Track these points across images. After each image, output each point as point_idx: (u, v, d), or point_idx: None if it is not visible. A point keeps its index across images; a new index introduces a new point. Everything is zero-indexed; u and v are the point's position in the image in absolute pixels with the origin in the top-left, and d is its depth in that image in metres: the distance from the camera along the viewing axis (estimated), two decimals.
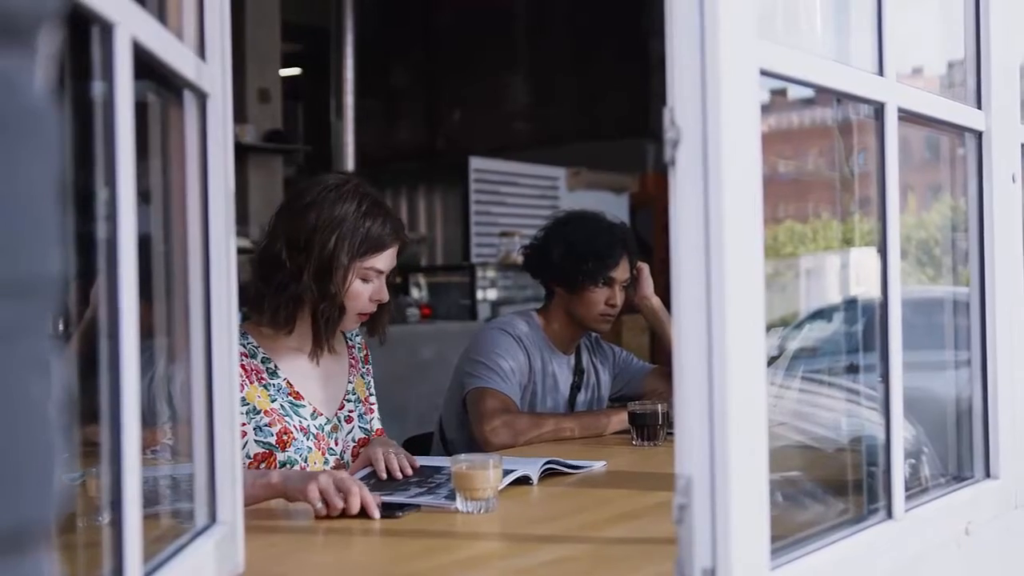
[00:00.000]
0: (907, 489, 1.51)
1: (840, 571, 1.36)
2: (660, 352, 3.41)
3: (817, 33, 1.67)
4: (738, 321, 1.12)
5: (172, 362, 1.42)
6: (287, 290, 2.21)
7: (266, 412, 2.21)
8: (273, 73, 7.31)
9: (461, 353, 3.01)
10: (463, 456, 1.95)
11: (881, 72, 1.48)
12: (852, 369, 1.76)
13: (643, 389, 3.08)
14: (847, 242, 1.84)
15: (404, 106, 9.96)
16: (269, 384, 2.25)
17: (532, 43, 9.46)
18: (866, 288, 1.68)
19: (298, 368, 2.31)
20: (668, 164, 1.14)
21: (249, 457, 2.17)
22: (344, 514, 1.84)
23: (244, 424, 2.17)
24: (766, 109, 1.21)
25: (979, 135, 1.78)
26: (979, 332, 1.79)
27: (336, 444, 2.32)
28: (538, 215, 7.27)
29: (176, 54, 1.21)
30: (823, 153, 1.91)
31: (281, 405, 2.24)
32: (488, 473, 1.87)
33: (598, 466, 2.34)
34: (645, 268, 3.08)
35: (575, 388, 3.07)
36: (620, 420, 2.81)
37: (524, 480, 2.13)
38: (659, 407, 2.66)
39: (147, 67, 1.11)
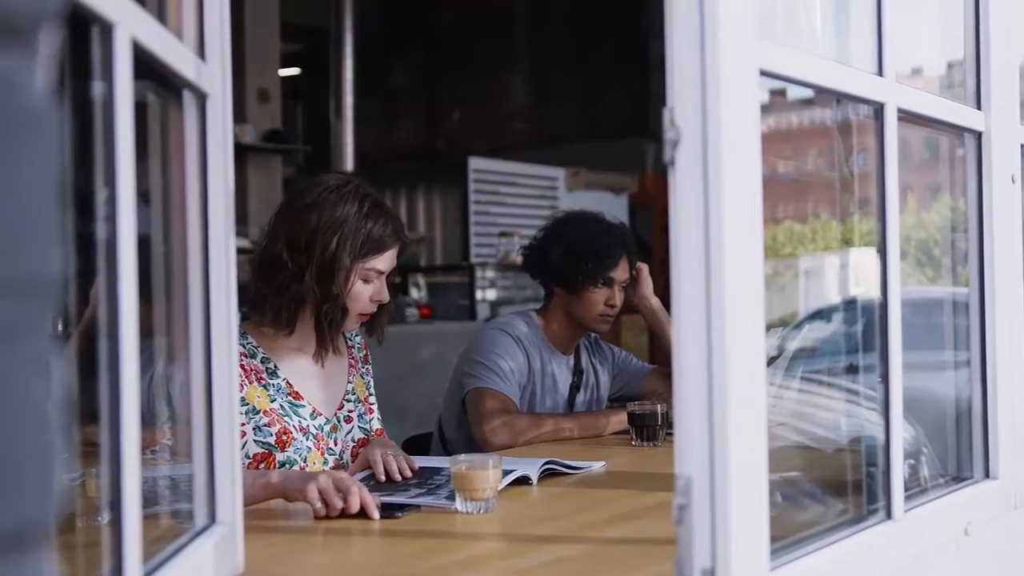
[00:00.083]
0: (906, 489, 1.51)
1: (839, 571, 1.36)
2: (659, 352, 3.41)
3: (817, 33, 1.67)
4: (738, 321, 1.12)
5: (172, 362, 1.41)
6: (289, 291, 2.21)
7: (265, 412, 2.21)
8: (272, 73, 7.31)
9: (460, 353, 3.01)
10: (463, 456, 1.94)
11: (881, 72, 1.48)
12: (851, 369, 1.76)
13: (642, 389, 3.08)
14: (846, 242, 1.84)
15: (403, 106, 9.96)
16: (269, 384, 2.25)
17: (531, 43, 9.46)
18: (865, 288, 1.68)
19: (298, 368, 2.31)
20: (668, 164, 1.14)
21: (248, 457, 2.17)
22: (343, 514, 1.84)
23: (243, 424, 2.17)
24: (765, 109, 1.21)
25: (979, 135, 1.78)
26: (979, 333, 1.79)
27: (335, 444, 2.32)
28: (537, 215, 7.27)
29: (176, 54, 1.21)
30: (822, 153, 1.92)
31: (280, 405, 2.24)
32: (487, 473, 1.87)
33: (597, 466, 2.34)
34: (644, 268, 3.08)
35: (574, 388, 3.07)
36: (619, 420, 2.81)
37: (524, 480, 2.13)
38: (658, 407, 2.66)
39: (147, 67, 1.11)
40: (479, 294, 7.30)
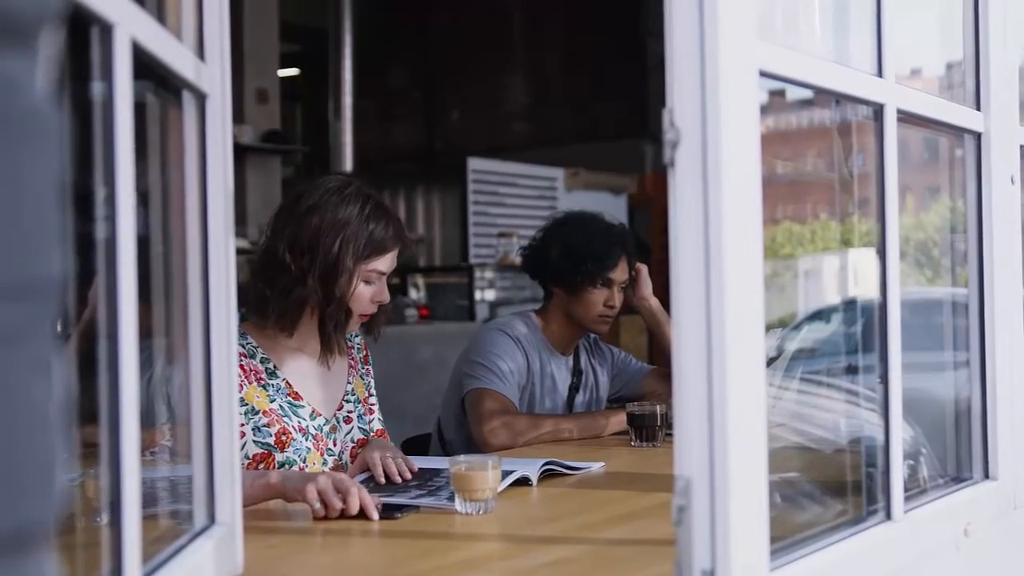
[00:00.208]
0: (906, 490, 1.51)
1: (839, 572, 1.36)
2: (658, 353, 3.41)
3: (816, 34, 1.67)
4: (737, 322, 1.12)
5: (171, 363, 1.41)
6: (292, 293, 2.21)
7: (265, 412, 2.21)
8: (271, 74, 7.31)
9: (459, 354, 3.01)
10: (462, 457, 1.94)
11: (880, 73, 1.48)
12: (851, 370, 1.76)
13: (642, 390, 3.08)
14: (846, 243, 1.84)
15: (402, 107, 9.95)
16: (268, 384, 2.24)
17: (530, 44, 9.46)
18: (865, 289, 1.68)
19: (298, 368, 2.31)
20: (667, 165, 1.14)
21: (248, 458, 2.17)
22: (343, 515, 1.84)
23: (242, 424, 2.16)
24: (764, 110, 1.21)
25: (978, 136, 1.78)
26: (978, 333, 1.79)
27: (335, 445, 2.32)
28: (536, 216, 7.28)
29: (175, 55, 1.21)
30: (821, 154, 1.92)
31: (280, 405, 2.24)
32: (487, 474, 1.86)
33: (596, 467, 2.34)
34: (643, 269, 3.08)
35: (573, 389, 3.07)
36: (619, 421, 2.81)
37: (523, 481, 2.13)
38: (658, 408, 2.66)
39: (146, 67, 1.11)
40: (478, 295, 7.31)
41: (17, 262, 0.60)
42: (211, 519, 1.36)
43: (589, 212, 3.10)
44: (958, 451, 1.83)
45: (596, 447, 2.68)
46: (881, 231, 1.49)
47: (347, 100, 7.46)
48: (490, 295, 7.38)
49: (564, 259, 2.95)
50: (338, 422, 2.34)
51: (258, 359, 2.26)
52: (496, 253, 7.59)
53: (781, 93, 1.42)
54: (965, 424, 1.82)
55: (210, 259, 1.35)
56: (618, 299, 2.97)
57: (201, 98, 1.33)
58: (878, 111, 1.49)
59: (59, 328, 0.68)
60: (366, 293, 2.26)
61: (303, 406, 2.27)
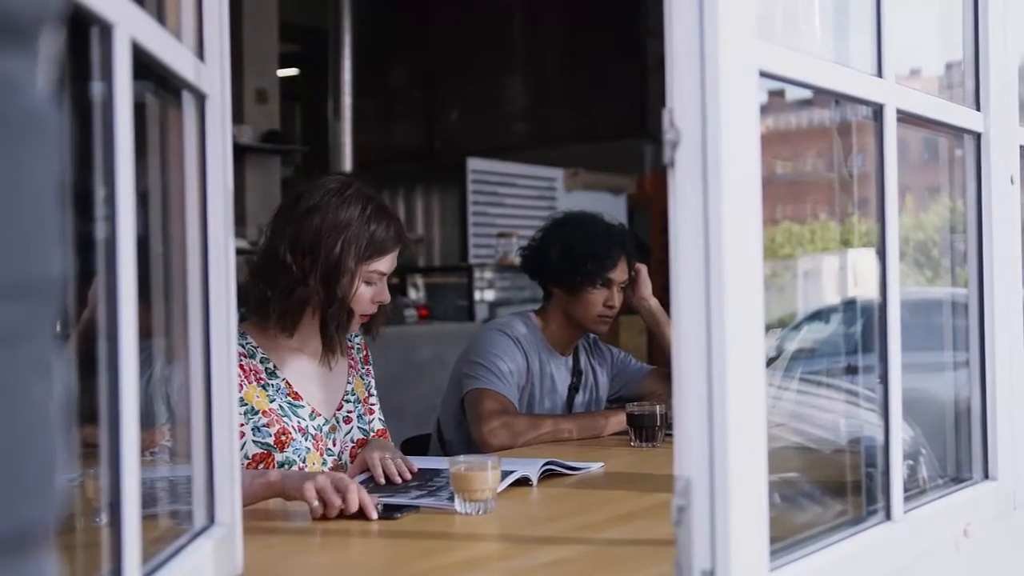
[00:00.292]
0: (906, 491, 1.51)
1: (839, 573, 1.36)
2: (658, 353, 3.41)
3: (816, 34, 1.67)
4: (737, 322, 1.12)
5: (170, 363, 1.41)
6: (293, 294, 2.22)
7: (264, 412, 2.21)
8: (271, 74, 7.31)
9: (459, 354, 3.01)
10: (462, 457, 1.94)
11: (880, 74, 1.48)
12: (851, 370, 1.76)
13: (641, 390, 3.08)
14: (845, 243, 1.84)
15: (402, 107, 9.95)
16: (268, 384, 2.25)
17: (530, 44, 9.46)
18: (864, 289, 1.68)
19: (297, 368, 2.31)
20: (667, 165, 1.14)
21: (247, 458, 2.17)
22: (342, 514, 1.84)
23: (242, 424, 2.16)
24: (764, 110, 1.21)
25: (978, 137, 1.78)
26: (978, 333, 1.79)
27: (334, 445, 2.32)
28: (536, 216, 7.27)
29: (175, 55, 1.21)
30: (821, 154, 1.92)
31: (280, 405, 2.24)
32: (487, 474, 1.86)
33: (596, 467, 2.34)
34: (643, 269, 3.08)
35: (573, 389, 3.07)
36: (618, 421, 2.81)
37: (523, 481, 2.12)
38: (657, 409, 2.66)
39: (146, 68, 1.11)
40: (477, 295, 7.30)
41: (17, 262, 0.60)
42: (211, 519, 1.36)
43: (589, 212, 3.10)
44: (958, 451, 1.83)
45: (596, 447, 2.68)
46: (881, 231, 1.49)
47: (346, 100, 7.46)
48: (489, 295, 7.38)
49: (564, 259, 2.95)
50: (338, 422, 2.34)
51: (258, 359, 2.26)
52: (495, 253, 7.59)
53: (781, 93, 1.42)
54: (965, 424, 1.82)
55: (210, 259, 1.35)
56: (618, 299, 2.97)
57: (201, 98, 1.33)
58: (878, 111, 1.49)
59: (59, 328, 0.68)
60: (367, 294, 2.27)
61: (303, 406, 2.27)
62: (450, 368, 3.04)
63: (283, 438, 2.21)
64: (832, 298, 2.30)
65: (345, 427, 2.36)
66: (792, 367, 1.97)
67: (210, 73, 1.35)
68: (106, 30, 0.97)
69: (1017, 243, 1.84)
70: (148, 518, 1.08)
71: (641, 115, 8.27)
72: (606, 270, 2.94)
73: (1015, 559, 1.88)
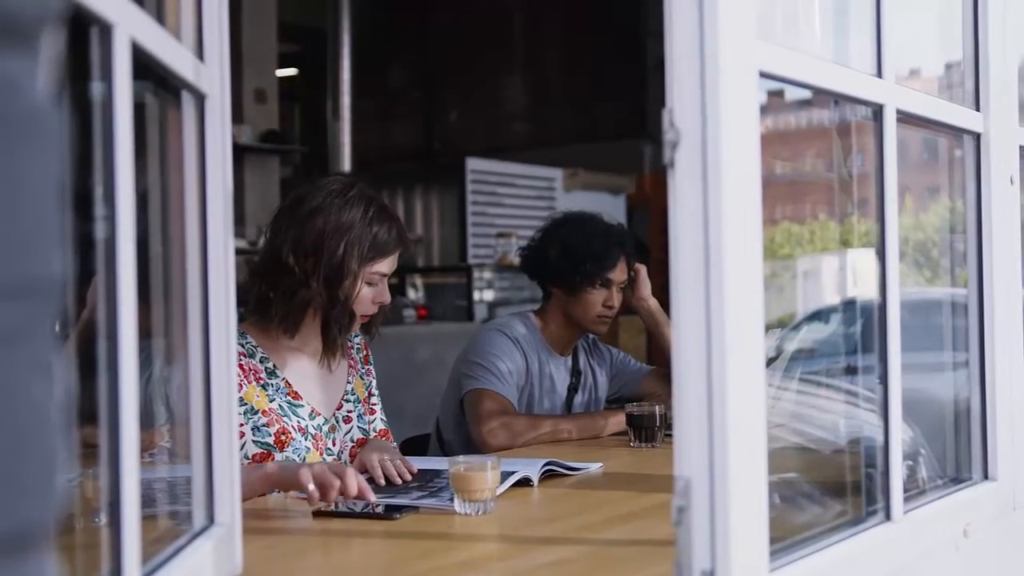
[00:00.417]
0: (905, 491, 1.51)
1: (839, 573, 1.36)
2: (657, 354, 3.41)
3: (816, 34, 1.67)
4: (737, 323, 1.12)
5: (170, 363, 1.41)
6: (296, 295, 2.22)
7: (264, 412, 2.21)
8: (270, 74, 7.31)
9: (458, 354, 3.01)
10: (461, 458, 1.94)
11: (880, 74, 1.48)
12: (850, 371, 1.76)
13: (640, 391, 3.08)
14: (845, 244, 1.84)
15: (401, 107, 9.95)
16: (268, 384, 2.25)
17: (529, 44, 9.46)
18: (864, 290, 1.68)
19: (297, 368, 2.31)
20: (667, 165, 1.14)
21: (247, 458, 2.17)
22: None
23: (242, 424, 2.17)
24: (763, 110, 1.20)
25: (977, 137, 1.78)
26: (977, 334, 1.79)
27: (334, 444, 2.32)
28: (535, 216, 7.27)
29: (175, 55, 1.21)
30: (821, 154, 1.92)
31: (279, 405, 2.24)
32: (486, 475, 1.86)
33: (595, 468, 2.34)
34: (643, 269, 3.08)
35: (572, 390, 3.07)
36: (617, 422, 2.81)
37: (523, 482, 2.12)
38: (657, 409, 2.66)
39: (146, 68, 1.11)
40: (477, 295, 7.30)
41: (17, 262, 0.60)
42: (210, 519, 1.36)
43: (588, 212, 3.10)
44: (957, 452, 1.83)
45: (595, 448, 2.68)
46: (880, 231, 1.49)
47: (346, 100, 7.47)
48: (489, 295, 7.38)
49: (563, 259, 2.95)
50: (337, 422, 2.34)
51: (257, 359, 2.26)
52: (495, 253, 7.59)
53: (780, 93, 1.42)
54: (964, 425, 1.82)
55: (209, 259, 1.35)
56: (617, 299, 2.97)
57: (200, 98, 1.33)
58: (877, 111, 1.49)
59: (58, 328, 0.68)
60: (368, 295, 2.27)
61: (302, 406, 2.28)
62: (449, 368, 3.04)
63: (283, 438, 2.21)
64: (832, 298, 2.30)
65: (345, 427, 2.36)
66: (792, 367, 1.97)
67: (209, 73, 1.35)
68: (106, 30, 0.97)
69: (1017, 243, 1.84)
70: (148, 518, 1.07)
71: (641, 115, 8.27)
72: (605, 270, 2.94)
73: (1015, 559, 1.88)
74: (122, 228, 0.98)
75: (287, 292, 2.22)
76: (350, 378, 2.42)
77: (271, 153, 7.25)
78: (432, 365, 5.57)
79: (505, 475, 2.02)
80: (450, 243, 8.19)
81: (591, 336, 3.15)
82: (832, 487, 1.64)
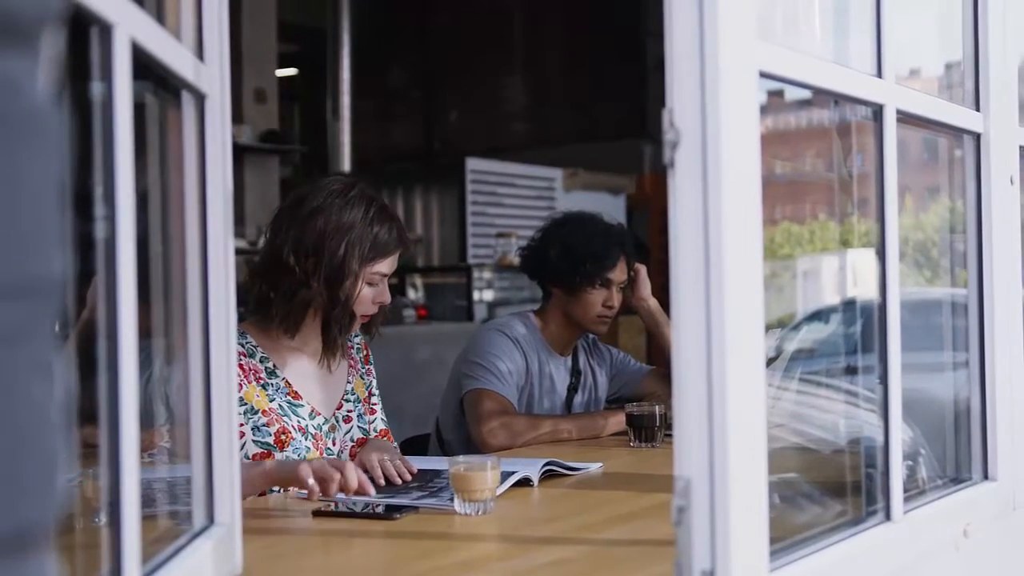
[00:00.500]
0: (905, 491, 1.51)
1: (839, 573, 1.36)
2: (657, 353, 3.41)
3: (816, 34, 1.67)
4: (737, 323, 1.12)
5: (170, 363, 1.41)
6: (296, 295, 2.22)
7: (264, 412, 2.21)
8: (269, 74, 7.30)
9: (458, 354, 3.01)
10: (461, 458, 1.94)
11: (880, 74, 1.48)
12: (850, 371, 1.76)
13: (640, 391, 3.08)
14: (845, 244, 1.84)
15: (401, 107, 9.95)
16: (268, 384, 2.25)
17: (529, 44, 9.46)
18: (864, 290, 1.68)
19: (297, 368, 2.31)
20: (667, 165, 1.14)
21: (247, 457, 2.17)
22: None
23: (242, 424, 2.17)
24: (763, 110, 1.20)
25: (977, 137, 1.78)
26: (977, 334, 1.79)
27: (334, 444, 2.32)
28: (535, 216, 7.27)
29: (174, 55, 1.21)
30: (821, 154, 1.92)
31: (280, 405, 2.24)
32: (486, 475, 1.86)
33: (595, 468, 2.34)
34: (642, 269, 3.08)
35: (572, 390, 3.07)
36: (617, 422, 2.81)
37: (523, 482, 2.12)
38: (656, 409, 2.66)
39: (145, 68, 1.11)
40: (476, 295, 7.30)
41: (17, 262, 0.60)
42: (210, 519, 1.36)
43: (588, 212, 3.10)
44: (957, 452, 1.83)
45: (595, 448, 2.68)
46: (880, 231, 1.49)
47: (345, 100, 7.46)
48: (488, 295, 7.38)
49: (563, 259, 2.95)
50: (337, 421, 2.35)
51: (257, 358, 2.26)
52: (494, 253, 7.59)
53: (780, 93, 1.42)
54: (964, 425, 1.82)
55: (209, 259, 1.35)
56: (617, 299, 2.97)
57: (200, 98, 1.33)
58: (877, 112, 1.49)
59: (58, 328, 0.68)
60: (369, 295, 2.28)
61: (302, 405, 2.28)
62: (449, 368, 3.04)
63: (283, 437, 2.21)
64: (831, 298, 2.30)
65: (345, 426, 2.36)
66: (792, 367, 1.97)
67: (209, 73, 1.35)
68: (106, 30, 0.97)
69: (1017, 243, 1.84)
70: (148, 518, 1.07)
71: (641, 115, 8.27)
72: (605, 270, 2.94)
73: (1015, 559, 1.88)
74: (122, 228, 0.98)
75: (287, 292, 2.22)
76: (350, 378, 2.42)
77: (271, 153, 7.25)
78: (432, 365, 5.57)
79: (505, 475, 2.02)
80: (450, 243, 8.19)
81: (591, 336, 3.15)
82: (832, 487, 1.64)
